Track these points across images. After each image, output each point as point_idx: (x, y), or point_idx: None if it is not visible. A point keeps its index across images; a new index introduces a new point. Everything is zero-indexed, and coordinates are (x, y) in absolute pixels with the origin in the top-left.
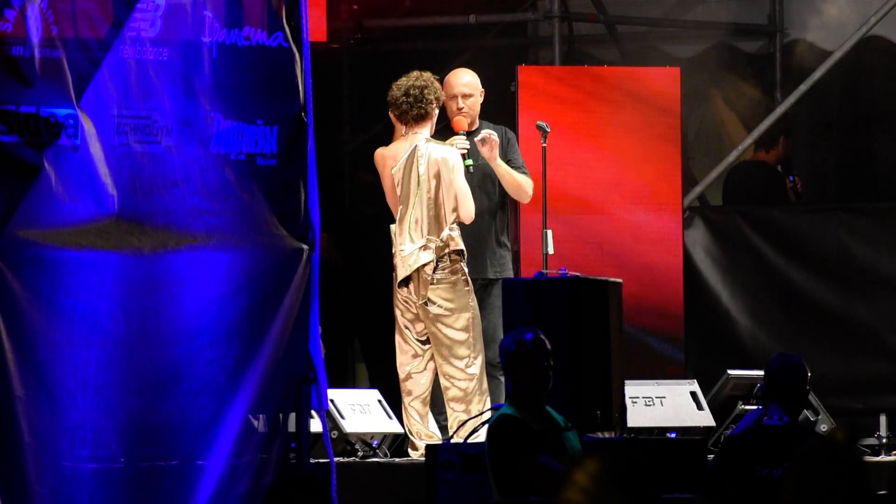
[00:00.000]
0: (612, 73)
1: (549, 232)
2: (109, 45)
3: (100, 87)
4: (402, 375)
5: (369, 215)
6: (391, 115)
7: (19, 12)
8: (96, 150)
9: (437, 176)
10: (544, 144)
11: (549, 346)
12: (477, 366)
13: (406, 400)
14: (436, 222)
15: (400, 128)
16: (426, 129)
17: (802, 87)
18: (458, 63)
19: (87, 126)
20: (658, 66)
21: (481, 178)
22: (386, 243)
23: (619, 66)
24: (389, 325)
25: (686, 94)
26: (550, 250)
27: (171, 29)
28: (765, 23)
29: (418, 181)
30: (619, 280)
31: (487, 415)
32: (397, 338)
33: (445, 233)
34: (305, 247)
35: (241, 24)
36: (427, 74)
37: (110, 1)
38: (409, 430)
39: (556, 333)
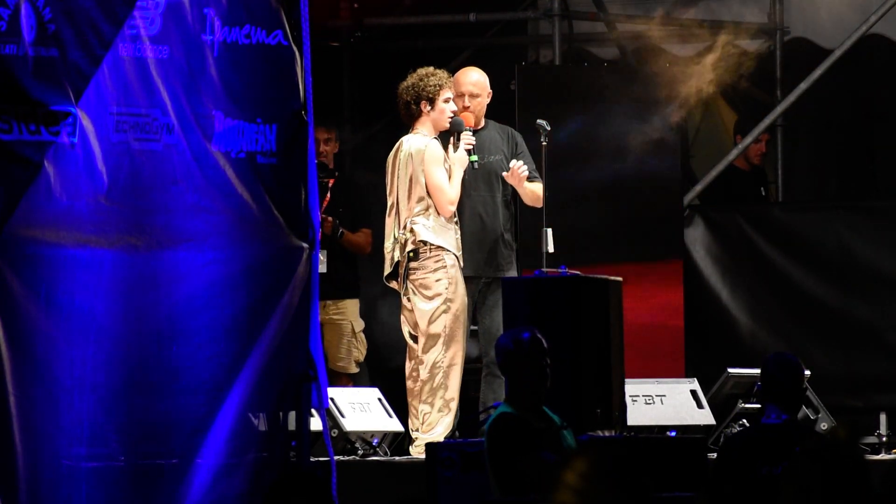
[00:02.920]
0: (612, 71)
1: (549, 230)
2: (109, 42)
3: (99, 85)
4: (407, 375)
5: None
6: None
7: (14, 11)
8: (95, 148)
9: (410, 169)
10: (544, 143)
11: (546, 346)
12: (434, 361)
13: (410, 399)
14: (407, 216)
15: None
16: (426, 126)
17: (803, 86)
18: (458, 61)
19: (86, 124)
20: (658, 65)
21: (486, 176)
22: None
23: (619, 65)
24: (389, 322)
25: (686, 93)
26: (550, 249)
27: (171, 27)
28: (765, 21)
29: (398, 175)
30: (619, 279)
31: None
32: (406, 336)
33: (407, 225)
34: (305, 245)
35: (241, 22)
36: (424, 72)
37: None
38: (412, 428)
39: (556, 332)
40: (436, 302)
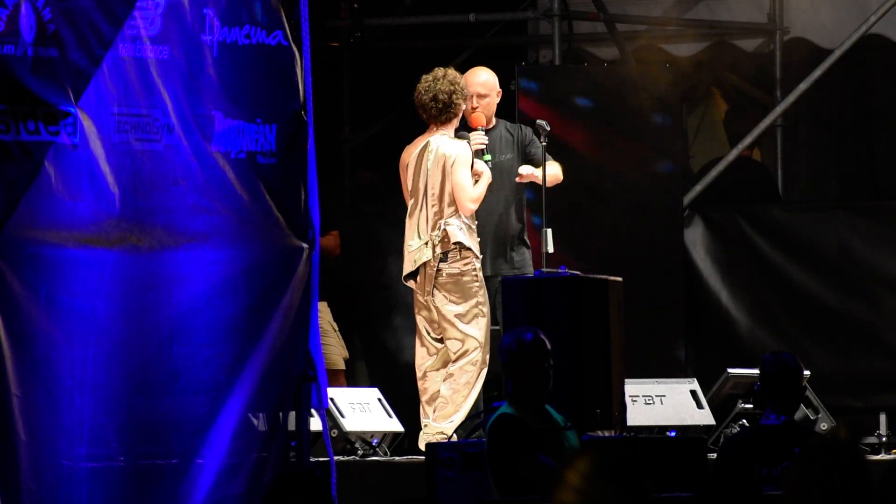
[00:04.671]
0: (612, 71)
1: (549, 231)
2: (109, 43)
3: (100, 86)
4: (419, 374)
5: (370, 213)
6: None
7: (13, 11)
8: (96, 148)
9: (443, 171)
10: (544, 143)
11: (548, 346)
12: (470, 360)
13: (422, 398)
14: (438, 218)
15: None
16: (452, 128)
17: (802, 86)
18: (458, 61)
19: (87, 124)
20: (658, 65)
21: (499, 175)
22: (386, 242)
23: (619, 65)
24: (389, 323)
25: (686, 93)
26: (550, 249)
27: (171, 27)
28: (765, 21)
29: (427, 176)
30: (620, 279)
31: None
32: (416, 336)
33: (441, 227)
34: (305, 245)
35: (241, 23)
36: (451, 74)
37: None
38: (424, 419)
39: (556, 332)
40: (468, 304)
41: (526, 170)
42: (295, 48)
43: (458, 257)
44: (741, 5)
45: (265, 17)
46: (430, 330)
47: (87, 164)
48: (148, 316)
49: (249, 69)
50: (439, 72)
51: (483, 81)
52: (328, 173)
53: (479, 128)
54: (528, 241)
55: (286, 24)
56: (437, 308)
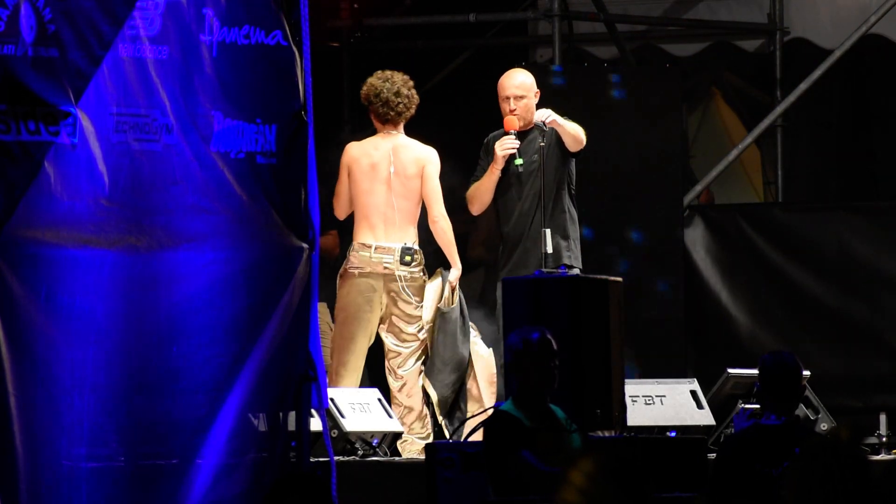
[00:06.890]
0: (612, 71)
1: (548, 231)
2: (109, 43)
3: (99, 86)
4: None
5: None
6: (373, 114)
7: (13, 11)
8: (95, 148)
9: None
10: (543, 143)
11: (555, 347)
12: (418, 368)
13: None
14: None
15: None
16: (401, 127)
17: (802, 86)
18: (459, 62)
19: (86, 124)
20: (658, 65)
21: (532, 176)
22: None
23: (619, 65)
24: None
25: (686, 93)
26: (549, 249)
27: (170, 27)
28: (765, 21)
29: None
30: (620, 279)
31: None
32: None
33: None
34: (305, 245)
35: (241, 23)
36: (398, 73)
37: None
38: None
39: (556, 332)
40: (428, 308)
41: (542, 114)
42: (295, 48)
43: (423, 261)
44: (741, 5)
45: (265, 17)
46: (396, 339)
47: (87, 165)
48: (147, 316)
49: (249, 69)
50: (386, 73)
51: (519, 84)
52: (328, 173)
53: (512, 131)
54: (575, 238)
55: (286, 25)
56: (399, 309)
